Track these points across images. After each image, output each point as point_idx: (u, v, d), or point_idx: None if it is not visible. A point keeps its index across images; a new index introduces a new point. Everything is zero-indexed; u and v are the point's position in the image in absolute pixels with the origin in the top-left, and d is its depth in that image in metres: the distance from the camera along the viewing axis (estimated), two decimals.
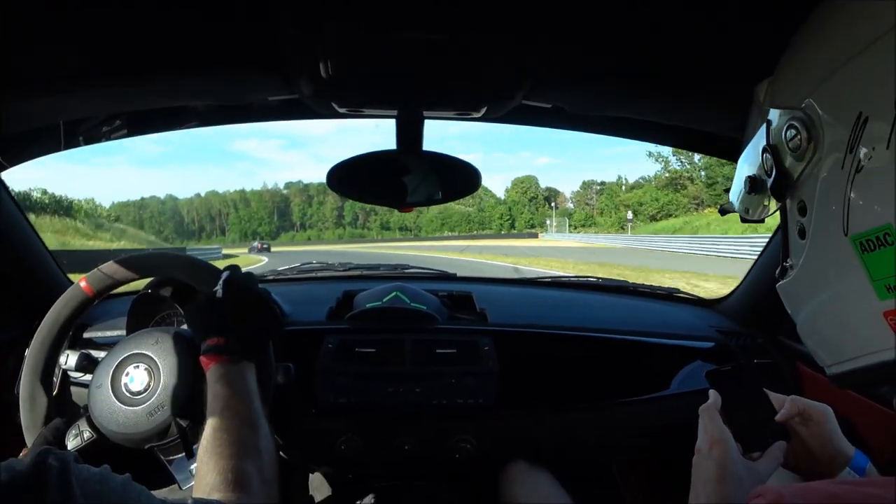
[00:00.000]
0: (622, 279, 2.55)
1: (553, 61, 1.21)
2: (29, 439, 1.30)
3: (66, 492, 0.64)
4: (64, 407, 1.37)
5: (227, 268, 1.29)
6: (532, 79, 1.26)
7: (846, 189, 0.66)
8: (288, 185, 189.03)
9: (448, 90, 1.29)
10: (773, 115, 0.82)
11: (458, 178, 1.38)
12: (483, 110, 1.35)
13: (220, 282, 1.24)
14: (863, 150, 0.64)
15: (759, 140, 0.85)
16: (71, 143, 1.66)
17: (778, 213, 0.86)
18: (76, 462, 0.69)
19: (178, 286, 1.42)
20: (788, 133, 0.76)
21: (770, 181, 0.81)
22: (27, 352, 1.35)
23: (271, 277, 2.53)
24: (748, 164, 0.91)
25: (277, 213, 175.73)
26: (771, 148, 0.81)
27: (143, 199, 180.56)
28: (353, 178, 1.35)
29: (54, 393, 1.39)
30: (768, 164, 0.81)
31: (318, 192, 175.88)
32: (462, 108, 1.35)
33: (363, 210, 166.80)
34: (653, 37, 1.12)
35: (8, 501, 0.62)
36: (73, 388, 1.53)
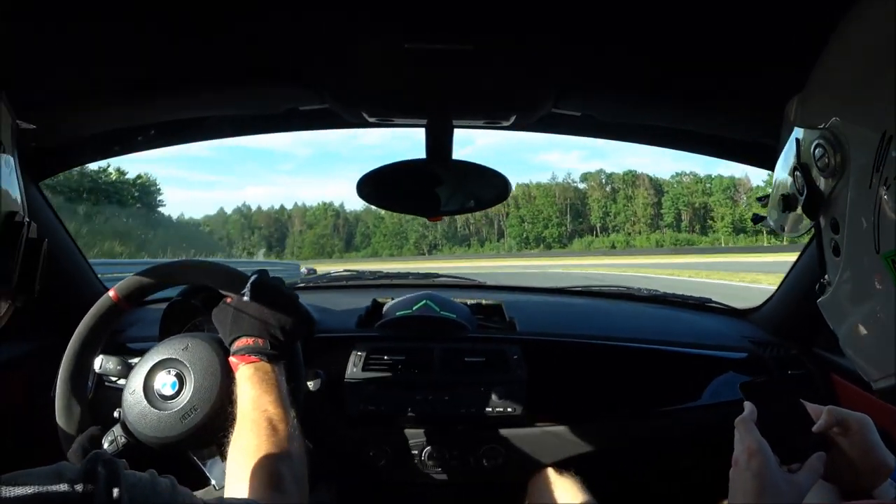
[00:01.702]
0: (654, 288, 2.52)
1: (582, 69, 1.21)
2: (66, 447, 1.32)
3: (111, 499, 0.66)
4: (99, 411, 1.39)
5: (255, 272, 1.31)
6: (561, 87, 1.26)
7: (875, 207, 0.66)
8: (585, 177, 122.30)
9: (477, 99, 1.30)
10: (803, 133, 0.82)
11: (487, 187, 1.39)
12: (512, 119, 1.35)
13: (248, 285, 1.25)
14: (888, 169, 0.63)
15: (790, 157, 0.85)
16: (108, 154, 1.71)
17: (813, 228, 0.85)
18: (124, 468, 0.71)
19: (210, 293, 1.44)
20: (817, 152, 0.75)
21: (802, 199, 0.80)
22: (62, 362, 1.37)
23: (302, 285, 2.55)
24: (781, 180, 0.90)
25: (571, 211, 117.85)
26: (801, 166, 0.80)
27: None
28: (383, 187, 1.36)
29: (89, 396, 1.41)
30: (800, 182, 0.81)
31: (625, 184, 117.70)
32: (491, 116, 1.36)
33: (689, 207, 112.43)
34: (684, 43, 1.11)
35: None
36: (107, 392, 1.56)
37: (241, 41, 1.14)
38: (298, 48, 1.15)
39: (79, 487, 0.65)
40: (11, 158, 0.80)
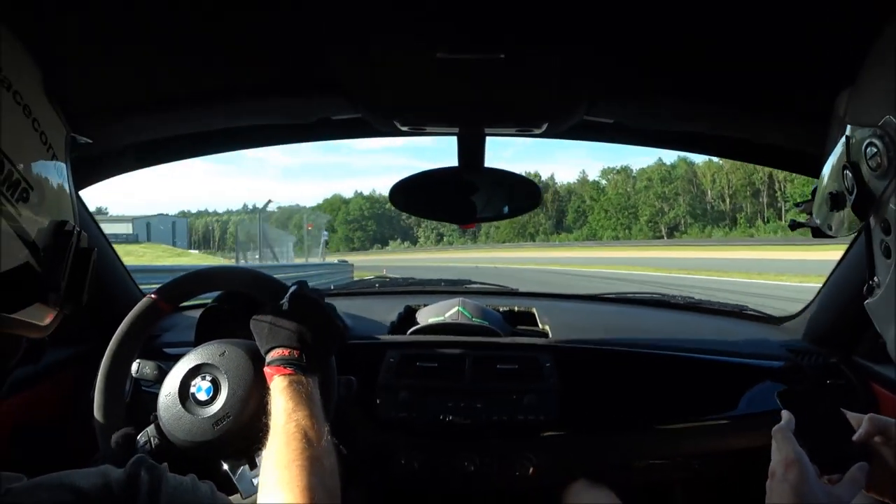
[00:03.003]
0: (689, 296, 2.50)
1: (614, 77, 1.21)
2: (103, 446, 1.34)
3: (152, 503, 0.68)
4: (135, 414, 1.42)
5: (295, 282, 1.32)
6: (593, 95, 1.25)
7: None
8: None
9: (509, 107, 1.30)
10: (854, 129, 0.78)
11: (519, 195, 1.39)
12: (544, 126, 1.35)
13: (287, 295, 1.27)
14: None
15: (839, 154, 0.81)
16: (144, 163, 1.74)
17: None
18: (167, 472, 0.73)
19: (246, 300, 1.46)
20: (869, 150, 0.71)
21: (852, 199, 0.76)
22: (102, 362, 1.40)
23: (335, 291, 2.57)
24: (830, 177, 0.86)
25: None
26: (851, 165, 0.76)
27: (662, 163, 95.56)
28: (417, 194, 1.37)
29: (126, 401, 1.44)
30: (849, 182, 0.77)
31: None
32: (523, 124, 1.36)
33: None
34: (719, 49, 1.10)
35: None
36: (144, 396, 1.58)
37: (276, 53, 1.16)
38: (332, 58, 1.16)
39: (122, 490, 0.68)
40: (64, 167, 0.82)
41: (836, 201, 0.82)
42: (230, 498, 1.26)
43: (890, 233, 0.72)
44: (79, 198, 1.70)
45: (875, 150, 0.70)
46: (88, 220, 1.78)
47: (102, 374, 1.39)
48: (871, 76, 0.76)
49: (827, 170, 0.87)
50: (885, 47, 0.72)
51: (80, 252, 0.82)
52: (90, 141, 0.93)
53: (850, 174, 0.76)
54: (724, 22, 1.00)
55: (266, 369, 1.19)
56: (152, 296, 1.43)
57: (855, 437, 1.00)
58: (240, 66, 1.20)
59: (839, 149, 0.81)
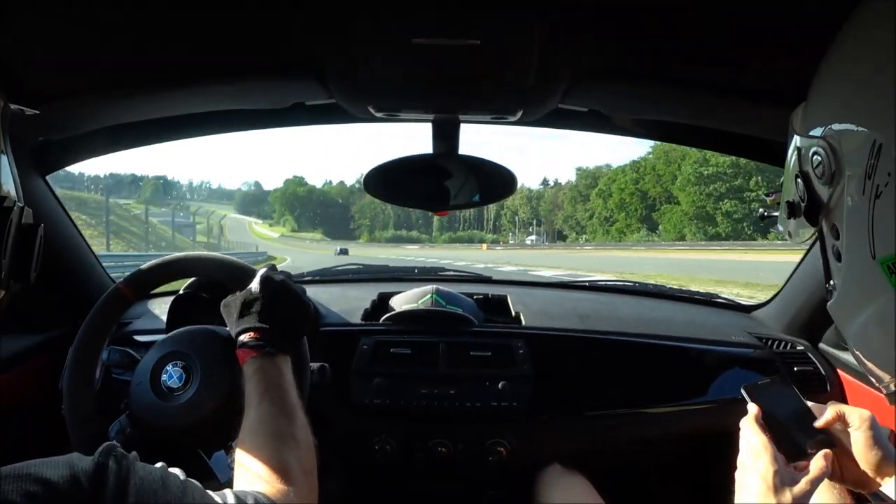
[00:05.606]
0: (661, 283, 2.52)
1: (589, 66, 1.21)
2: (73, 436, 1.33)
3: (121, 493, 0.68)
4: (106, 402, 1.41)
5: (264, 265, 1.32)
6: (568, 82, 1.25)
7: (869, 214, 0.67)
8: None
9: (483, 94, 1.30)
10: (803, 140, 0.83)
11: (494, 182, 1.39)
12: (519, 114, 1.35)
13: (257, 278, 1.26)
14: (879, 177, 0.65)
15: (793, 164, 0.86)
16: (115, 148, 1.71)
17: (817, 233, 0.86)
18: (136, 461, 0.72)
19: (218, 286, 1.45)
20: (815, 159, 0.77)
21: (803, 206, 0.82)
22: (69, 351, 1.38)
23: (308, 278, 2.56)
24: (786, 187, 0.91)
25: None
26: (802, 174, 0.81)
27: None
28: (390, 181, 1.37)
29: (97, 388, 1.42)
30: (801, 190, 0.82)
31: None
32: (498, 111, 1.36)
33: None
34: (692, 36, 1.10)
35: (68, 498, 0.65)
36: (114, 384, 1.57)
37: (251, 36, 1.14)
38: (307, 43, 1.15)
39: (89, 480, 0.67)
40: (1, 140, 0.79)
41: (792, 209, 0.87)
42: (207, 483, 1.26)
43: (839, 237, 0.76)
44: (46, 182, 1.68)
45: (819, 158, 0.76)
46: (55, 204, 1.75)
47: (70, 366, 1.37)
48: (817, 90, 0.81)
49: (784, 179, 0.92)
50: (830, 63, 0.78)
51: (24, 228, 0.80)
52: (37, 112, 0.90)
53: (802, 183, 0.81)
54: (701, 8, 1.01)
55: (238, 352, 1.18)
56: (120, 286, 1.41)
57: (817, 423, 1.03)
58: (214, 49, 1.19)
59: (793, 159, 0.86)
